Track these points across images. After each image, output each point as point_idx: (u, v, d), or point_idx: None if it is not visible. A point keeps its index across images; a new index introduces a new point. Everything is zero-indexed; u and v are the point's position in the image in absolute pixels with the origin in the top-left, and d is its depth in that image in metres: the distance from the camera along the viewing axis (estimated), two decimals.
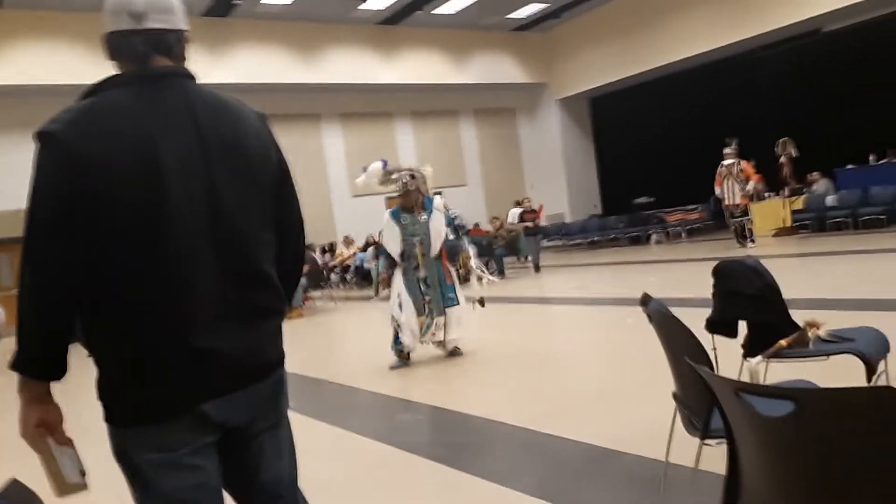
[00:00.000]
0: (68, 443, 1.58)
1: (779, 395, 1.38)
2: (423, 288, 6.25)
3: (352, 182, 18.86)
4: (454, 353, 6.44)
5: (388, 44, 18.60)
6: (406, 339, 6.24)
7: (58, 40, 13.97)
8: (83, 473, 1.60)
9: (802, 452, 1.40)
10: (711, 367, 2.30)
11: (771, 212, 14.41)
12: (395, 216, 6.30)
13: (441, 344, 6.42)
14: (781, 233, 14.06)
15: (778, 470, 1.47)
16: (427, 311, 6.26)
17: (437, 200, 6.41)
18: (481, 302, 6.63)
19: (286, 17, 16.76)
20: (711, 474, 2.37)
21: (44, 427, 1.54)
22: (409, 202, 6.31)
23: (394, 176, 6.44)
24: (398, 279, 6.28)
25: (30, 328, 1.49)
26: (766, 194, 15.09)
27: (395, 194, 6.52)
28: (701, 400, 2.18)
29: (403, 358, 6.38)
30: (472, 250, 6.84)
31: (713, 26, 16.83)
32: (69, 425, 1.59)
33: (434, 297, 6.26)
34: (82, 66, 12.73)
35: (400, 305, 6.21)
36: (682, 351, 2.31)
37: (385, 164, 6.66)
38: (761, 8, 15.78)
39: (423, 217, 6.28)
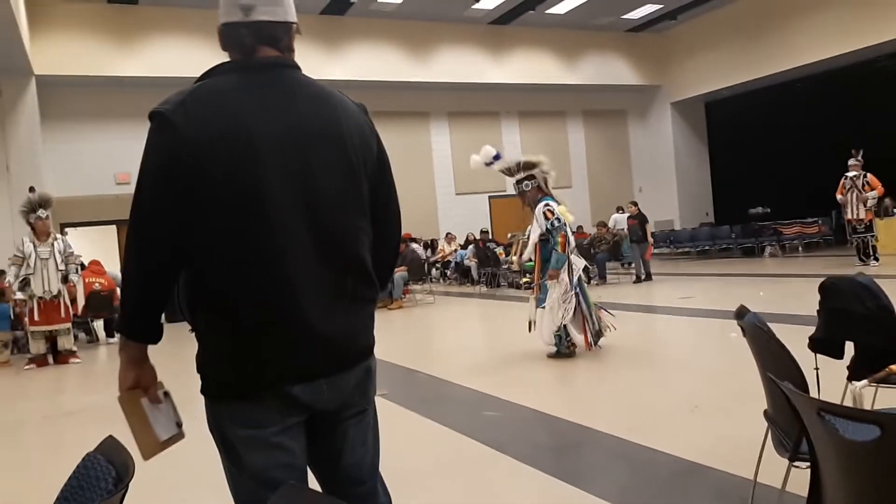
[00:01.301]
0: (161, 401, 1.67)
1: (864, 418, 1.32)
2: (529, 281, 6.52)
3: (457, 180, 19.27)
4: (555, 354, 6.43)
5: (499, 43, 18.64)
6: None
7: (187, 36, 14.82)
8: (179, 424, 1.70)
9: (887, 480, 1.33)
10: (805, 387, 2.20)
11: None
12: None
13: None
14: None
15: (860, 497, 1.40)
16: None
17: (539, 208, 6.35)
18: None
19: (399, 15, 17.11)
20: (799, 497, 2.27)
21: (139, 387, 1.64)
22: (523, 202, 6.55)
23: (507, 168, 6.52)
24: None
25: (131, 293, 1.59)
26: (895, 210, 14.11)
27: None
28: (791, 419, 2.09)
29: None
30: (563, 265, 6.19)
31: (836, 32, 15.91)
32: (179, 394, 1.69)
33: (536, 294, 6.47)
34: (207, 61, 13.42)
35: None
36: (774, 367, 2.23)
37: (498, 156, 6.65)
38: (891, 13, 14.76)
39: (532, 220, 6.44)
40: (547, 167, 6.50)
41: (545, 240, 6.33)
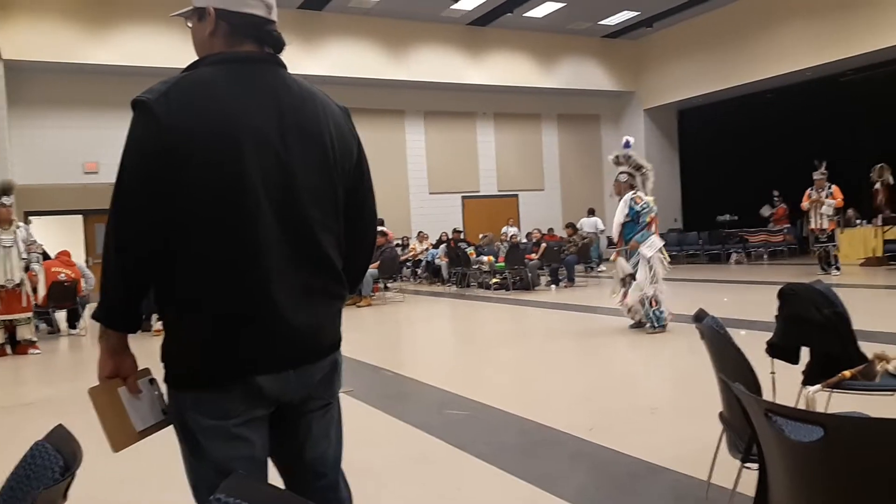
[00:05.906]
0: (141, 391, 1.66)
1: (808, 419, 1.35)
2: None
3: (431, 179, 19.28)
4: (638, 324, 7.64)
5: (476, 44, 18.68)
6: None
7: (159, 24, 14.60)
8: (165, 412, 1.68)
9: (829, 480, 1.37)
10: (757, 389, 2.24)
11: (861, 239, 13.76)
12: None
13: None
14: (870, 262, 13.41)
15: (804, 496, 1.44)
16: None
17: (626, 197, 7.57)
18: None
19: (377, 13, 17.06)
20: (751, 499, 2.31)
21: (118, 376, 1.63)
22: (616, 191, 7.76)
23: (620, 169, 7.77)
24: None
25: (111, 283, 1.58)
26: (858, 221, 14.43)
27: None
28: (743, 421, 2.13)
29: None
30: (646, 240, 7.51)
31: (806, 45, 16.24)
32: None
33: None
34: (178, 51, 13.26)
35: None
36: (730, 370, 2.27)
37: (627, 143, 7.93)
38: (860, 28, 15.10)
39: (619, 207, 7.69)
40: (650, 173, 7.78)
41: (629, 223, 7.54)
